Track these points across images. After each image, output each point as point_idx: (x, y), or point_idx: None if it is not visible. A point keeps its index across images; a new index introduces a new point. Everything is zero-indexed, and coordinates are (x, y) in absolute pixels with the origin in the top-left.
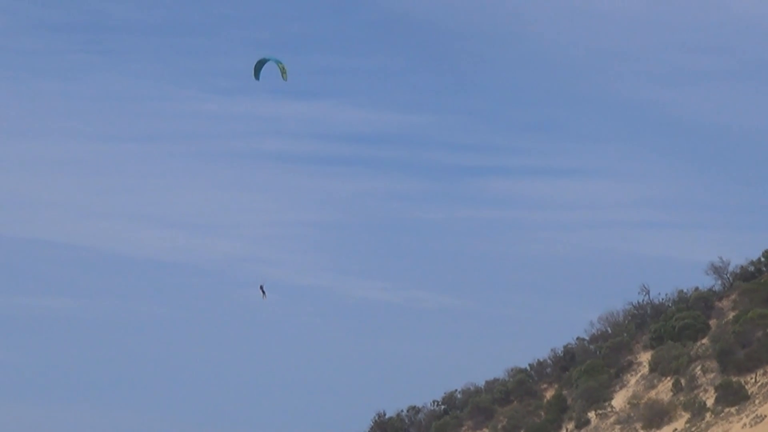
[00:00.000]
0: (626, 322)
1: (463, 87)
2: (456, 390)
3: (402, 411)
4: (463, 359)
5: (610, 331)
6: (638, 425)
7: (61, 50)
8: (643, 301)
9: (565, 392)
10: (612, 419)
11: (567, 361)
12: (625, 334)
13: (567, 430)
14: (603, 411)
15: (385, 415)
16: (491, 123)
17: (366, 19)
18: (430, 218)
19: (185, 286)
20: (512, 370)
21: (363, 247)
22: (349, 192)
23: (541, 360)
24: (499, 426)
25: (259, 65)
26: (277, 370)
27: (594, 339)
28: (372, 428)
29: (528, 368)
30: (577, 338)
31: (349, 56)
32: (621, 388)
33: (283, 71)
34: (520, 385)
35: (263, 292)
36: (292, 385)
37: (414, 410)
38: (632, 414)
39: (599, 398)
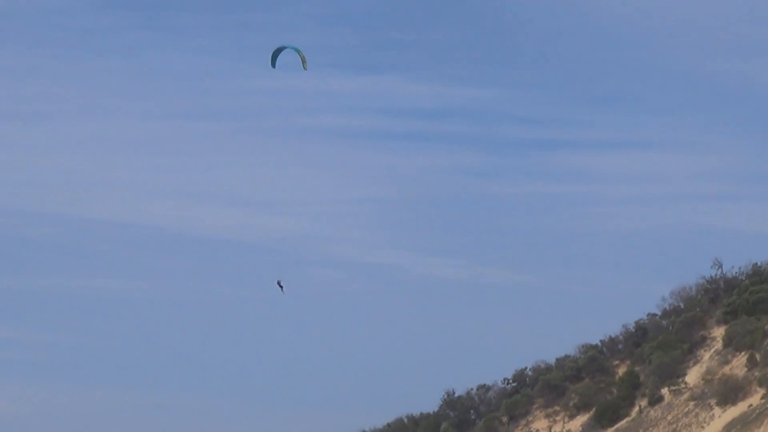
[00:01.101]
0: (699, 296)
1: (530, 59)
2: (526, 368)
3: (471, 389)
4: (532, 336)
5: (682, 306)
6: (712, 401)
7: (122, 28)
8: (716, 275)
9: (637, 368)
10: (686, 395)
11: (639, 337)
12: (698, 309)
13: (640, 406)
14: (676, 387)
15: (454, 393)
16: (559, 95)
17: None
18: (496, 193)
19: (249, 265)
20: (583, 346)
21: (428, 224)
22: (413, 167)
23: (613, 336)
24: (571, 403)
25: (276, 53)
26: (345, 349)
27: (666, 314)
28: (441, 407)
29: (599, 344)
30: (649, 314)
31: (412, 29)
32: (694, 363)
33: (303, 60)
34: (592, 362)
35: (281, 287)
36: (360, 364)
37: (484, 389)
38: (706, 390)
39: (672, 374)
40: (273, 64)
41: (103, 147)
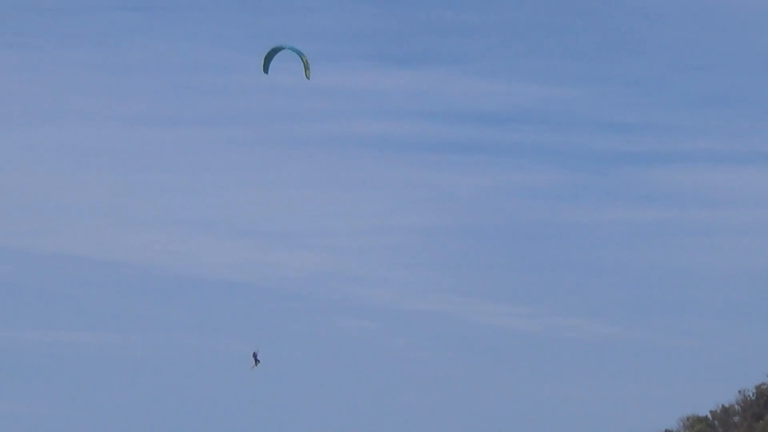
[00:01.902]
0: None
1: (619, 50)
2: None
3: None
4: (622, 405)
5: None
6: None
7: (97, 7)
8: None
9: None
10: None
11: (761, 407)
12: None
13: None
14: None
15: None
16: (657, 96)
17: None
18: (576, 221)
19: (257, 313)
20: (689, 419)
21: (488, 260)
22: (469, 188)
23: (727, 405)
24: None
25: (271, 55)
26: (379, 416)
27: None
28: None
29: (709, 416)
30: None
31: (469, 10)
32: None
33: (306, 66)
34: (722, 424)
35: (256, 360)
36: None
37: None
38: None
39: None
40: (266, 69)
41: (70, 161)
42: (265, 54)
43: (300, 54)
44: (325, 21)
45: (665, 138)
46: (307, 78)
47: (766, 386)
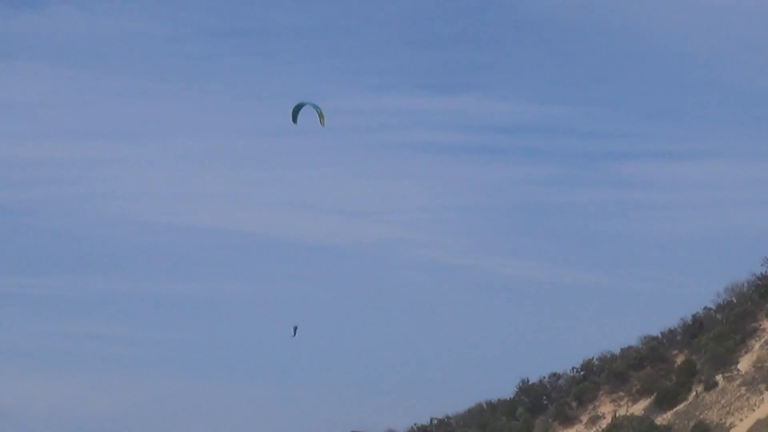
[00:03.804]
0: (750, 292)
1: (596, 79)
2: (593, 357)
3: (544, 377)
4: (600, 329)
5: (735, 301)
6: (762, 386)
7: (222, 54)
8: (766, 272)
9: (694, 357)
10: (738, 382)
11: (696, 329)
12: (750, 303)
13: (696, 392)
14: (729, 374)
15: (528, 381)
16: (620, 112)
17: (505, 17)
18: (567, 201)
19: (344, 268)
20: (645, 338)
21: (506, 229)
22: (492, 178)
23: (672, 328)
24: (633, 389)
25: (297, 109)
26: (431, 343)
27: (720, 308)
28: (517, 393)
29: (660, 336)
30: (705, 308)
31: (490, 52)
32: (746, 352)
33: (320, 116)
34: (653, 352)
35: (294, 331)
36: (445, 356)
37: (555, 377)
38: (757, 376)
39: (726, 362)
40: (294, 120)
41: (207, 161)
42: (292, 109)
43: (316, 107)
44: (389, 62)
45: (625, 142)
46: (322, 125)
47: (699, 315)
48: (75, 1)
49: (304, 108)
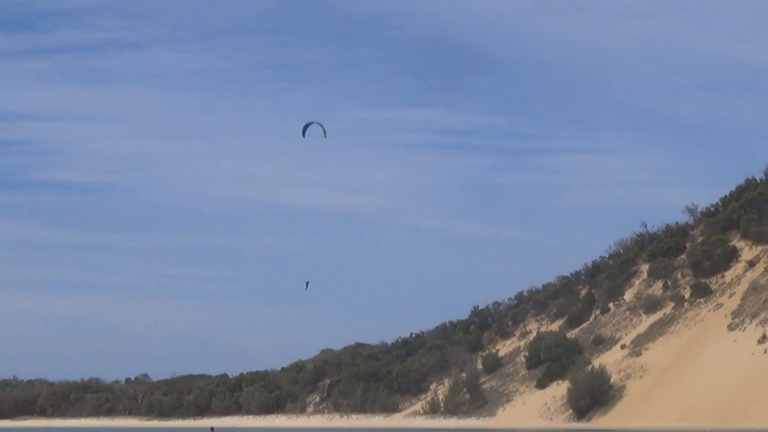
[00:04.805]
0: (632, 245)
1: (522, 98)
2: (524, 290)
3: (489, 304)
4: (529, 270)
5: (621, 251)
6: (641, 311)
7: (263, 80)
8: (643, 231)
9: (593, 291)
10: (624, 308)
11: (594, 271)
12: (631, 253)
13: (595, 315)
14: (618, 302)
15: (478, 307)
16: (541, 120)
17: (462, 56)
18: (505, 182)
19: (350, 229)
20: (559, 277)
21: (463, 201)
22: (453, 166)
23: (578, 270)
24: (552, 313)
25: (306, 126)
26: (412, 280)
27: (611, 256)
28: (470, 315)
29: (570, 276)
30: (601, 256)
31: (452, 79)
32: (629, 287)
33: (324, 131)
34: (565, 287)
35: (306, 285)
36: (421, 289)
37: (497, 304)
38: (637, 304)
39: (616, 294)
40: (303, 134)
41: (253, 154)
42: (302, 127)
43: (321, 125)
44: (380, 86)
45: (543, 141)
46: (325, 137)
47: (597, 261)
48: (165, 44)
49: (312, 126)
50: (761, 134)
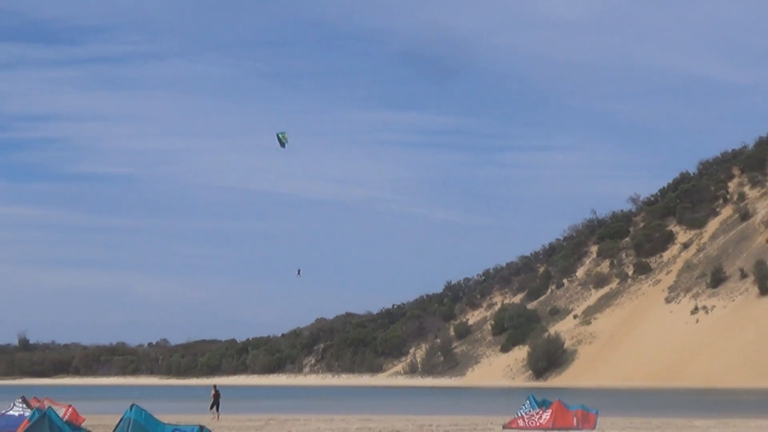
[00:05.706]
0: (583, 228)
1: (490, 103)
2: (490, 268)
3: (460, 280)
4: (494, 250)
5: (574, 234)
6: (591, 286)
7: (266, 86)
8: (593, 217)
9: (550, 268)
10: (576, 283)
11: (551, 251)
12: (582, 236)
13: (551, 289)
14: (571, 278)
15: (451, 282)
16: (506, 122)
17: (436, 67)
18: (475, 174)
19: (340, 215)
20: (521, 257)
21: (440, 191)
22: (432, 161)
23: (536, 250)
24: (514, 288)
25: (278, 137)
26: (395, 258)
27: (566, 238)
28: (444, 289)
29: (530, 255)
30: (556, 238)
31: (430, 87)
32: (581, 265)
33: (282, 142)
34: (525, 265)
35: (299, 272)
36: (403, 266)
37: (467, 279)
38: (587, 280)
39: (569, 271)
40: (282, 146)
41: (256, 149)
42: (277, 138)
43: (278, 136)
44: (367, 94)
45: (508, 140)
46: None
47: (552, 242)
48: (182, 55)
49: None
50: (694, 134)
